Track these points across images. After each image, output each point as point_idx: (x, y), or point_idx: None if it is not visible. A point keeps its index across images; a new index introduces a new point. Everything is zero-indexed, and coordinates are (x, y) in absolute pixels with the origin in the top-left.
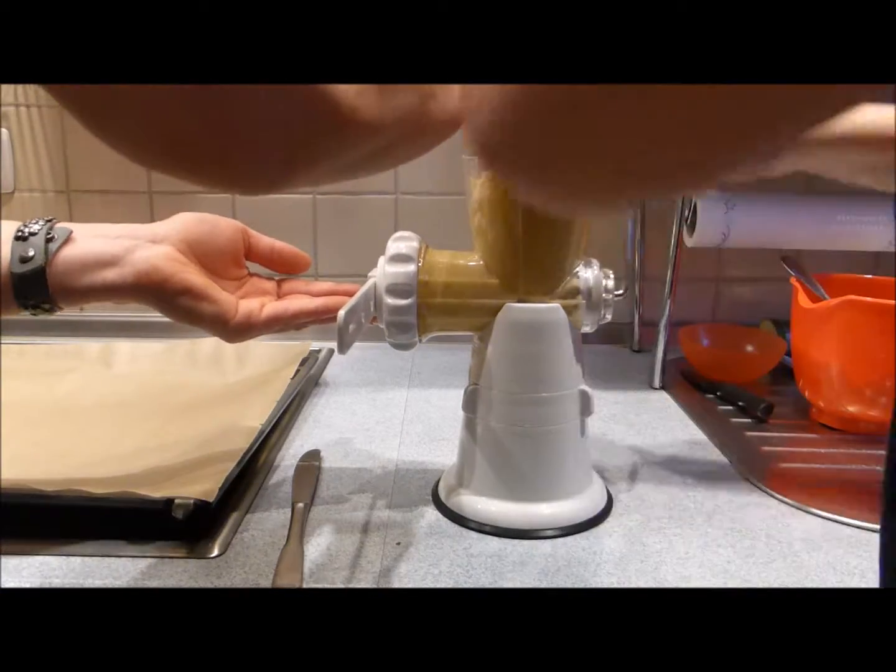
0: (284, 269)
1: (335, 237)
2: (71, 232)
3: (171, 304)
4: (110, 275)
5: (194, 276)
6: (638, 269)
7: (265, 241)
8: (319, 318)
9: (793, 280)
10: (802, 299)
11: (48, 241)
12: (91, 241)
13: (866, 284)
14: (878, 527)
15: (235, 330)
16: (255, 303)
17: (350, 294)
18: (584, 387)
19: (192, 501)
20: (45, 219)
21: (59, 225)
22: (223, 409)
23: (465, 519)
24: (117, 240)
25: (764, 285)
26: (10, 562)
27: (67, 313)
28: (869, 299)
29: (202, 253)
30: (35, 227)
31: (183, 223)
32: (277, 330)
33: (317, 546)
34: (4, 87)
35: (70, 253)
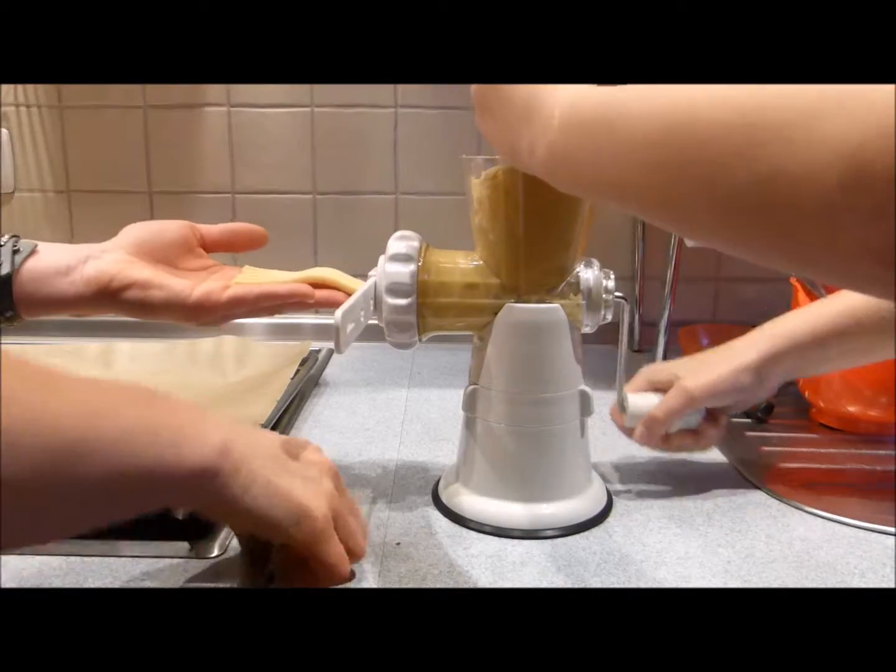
0: (243, 246)
1: (335, 237)
2: (36, 245)
3: (122, 300)
4: (64, 284)
5: (140, 271)
6: (638, 268)
7: (216, 227)
8: (287, 303)
9: (792, 280)
10: (802, 299)
11: (14, 252)
12: (51, 253)
13: None
14: (878, 527)
15: (194, 310)
16: (216, 284)
17: (323, 285)
18: (584, 387)
19: None
20: (11, 235)
21: (24, 240)
22: (223, 409)
23: (465, 519)
24: (72, 252)
25: (764, 285)
26: (10, 562)
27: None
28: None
29: (150, 250)
30: (2, 240)
31: (128, 231)
32: (246, 313)
33: None
34: (4, 87)
35: (33, 265)
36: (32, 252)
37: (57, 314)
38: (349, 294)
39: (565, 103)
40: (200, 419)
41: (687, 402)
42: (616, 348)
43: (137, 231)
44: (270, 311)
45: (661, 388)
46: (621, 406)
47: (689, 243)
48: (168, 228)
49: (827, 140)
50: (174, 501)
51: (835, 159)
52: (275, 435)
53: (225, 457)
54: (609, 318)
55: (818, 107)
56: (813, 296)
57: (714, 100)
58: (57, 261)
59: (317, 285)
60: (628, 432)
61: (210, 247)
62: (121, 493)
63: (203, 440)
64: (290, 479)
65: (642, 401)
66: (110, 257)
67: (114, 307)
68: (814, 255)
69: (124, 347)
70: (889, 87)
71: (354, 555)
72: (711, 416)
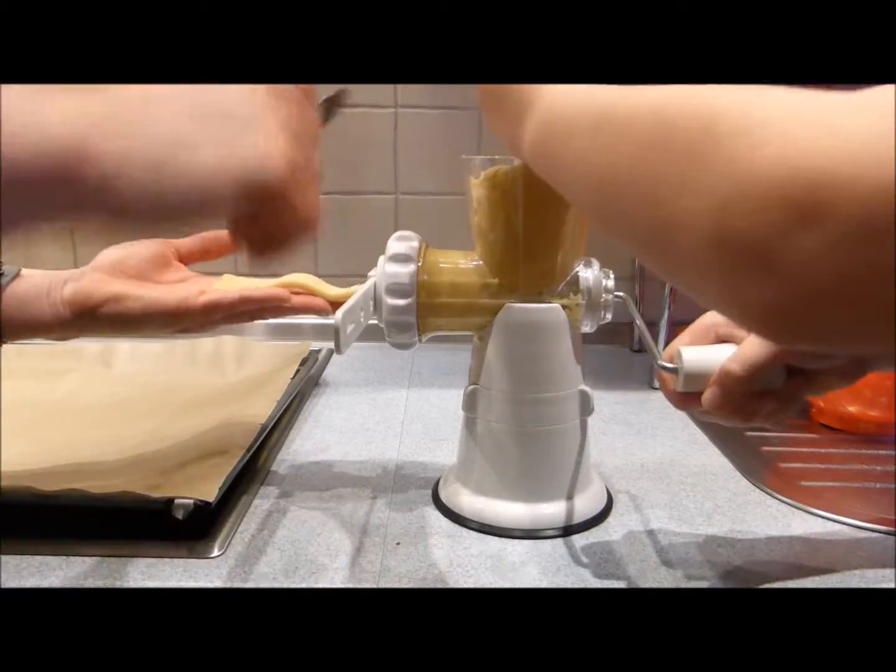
0: (218, 251)
1: (335, 237)
2: (19, 270)
3: (100, 316)
4: (45, 307)
5: (116, 285)
6: (638, 268)
7: (189, 239)
8: (265, 307)
9: None
10: None
11: None
12: (32, 277)
13: None
14: (878, 527)
15: (172, 316)
16: (192, 289)
17: (300, 291)
18: (584, 387)
19: (192, 501)
20: None
21: (6, 266)
22: (223, 409)
23: (465, 519)
24: (53, 276)
25: None
26: (11, 562)
27: None
28: None
29: (126, 268)
30: None
31: (103, 253)
32: (223, 319)
33: (317, 546)
34: None
35: (15, 288)
36: (15, 276)
37: (38, 337)
38: (326, 300)
39: (545, 103)
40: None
41: (775, 350)
42: (616, 348)
43: (112, 252)
44: (248, 317)
45: (728, 338)
46: (664, 367)
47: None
48: (142, 246)
49: (698, 192)
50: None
51: (702, 213)
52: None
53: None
54: (609, 317)
55: (694, 152)
56: None
57: (633, 134)
58: (38, 284)
59: (295, 291)
60: (682, 399)
61: (187, 258)
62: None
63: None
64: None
65: (704, 354)
66: (87, 278)
67: (94, 326)
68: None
69: (124, 347)
70: (754, 140)
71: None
72: (799, 372)
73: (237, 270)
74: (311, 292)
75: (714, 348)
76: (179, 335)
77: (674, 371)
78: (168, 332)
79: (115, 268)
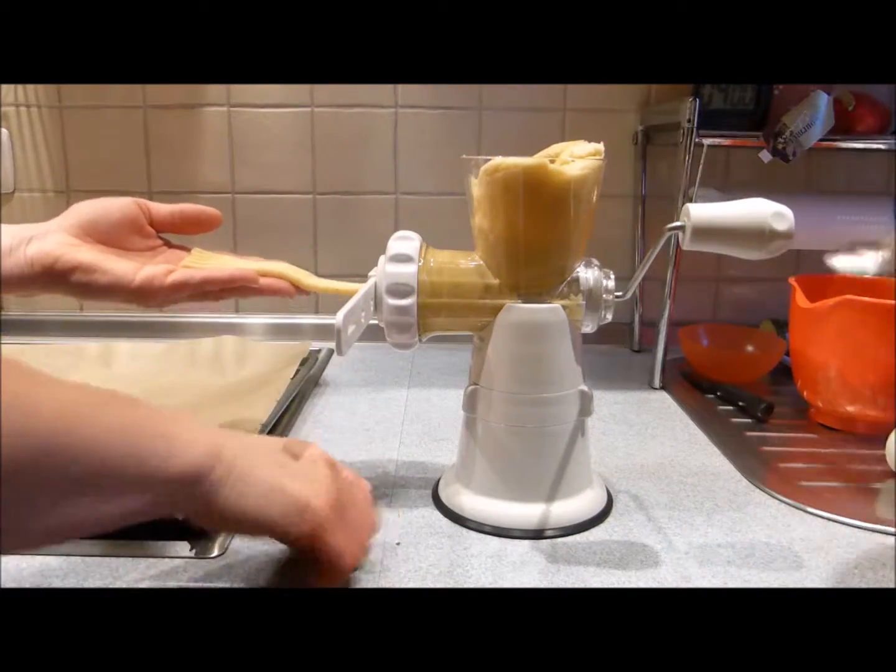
0: (192, 228)
1: (335, 237)
2: None
3: (67, 283)
4: (9, 264)
5: (84, 254)
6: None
7: (166, 207)
8: (232, 287)
9: (791, 280)
10: (800, 299)
11: None
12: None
13: (866, 284)
14: (878, 527)
15: (137, 294)
16: (159, 269)
17: (272, 276)
18: (584, 387)
19: None
20: None
21: None
22: (223, 409)
23: (465, 519)
24: (17, 232)
25: (764, 285)
26: (11, 562)
27: (68, 313)
28: (866, 299)
29: (96, 231)
30: None
31: (73, 209)
32: (189, 298)
33: None
34: (4, 87)
35: None
36: None
37: (6, 293)
38: (297, 285)
39: None
40: (189, 422)
41: None
42: (616, 348)
43: (83, 210)
44: (215, 296)
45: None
46: (672, 226)
47: (685, 245)
48: (114, 207)
49: None
50: (162, 505)
51: None
52: (275, 438)
53: (214, 459)
54: (609, 318)
55: None
56: (812, 295)
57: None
58: (2, 241)
59: (266, 276)
60: None
61: (159, 227)
62: (106, 492)
63: (192, 442)
64: (288, 477)
65: (711, 210)
66: (53, 238)
67: (60, 289)
68: None
69: (124, 348)
70: None
71: (360, 547)
72: None
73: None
74: (282, 278)
75: (720, 205)
76: (139, 308)
77: (681, 228)
78: (130, 305)
79: (84, 229)
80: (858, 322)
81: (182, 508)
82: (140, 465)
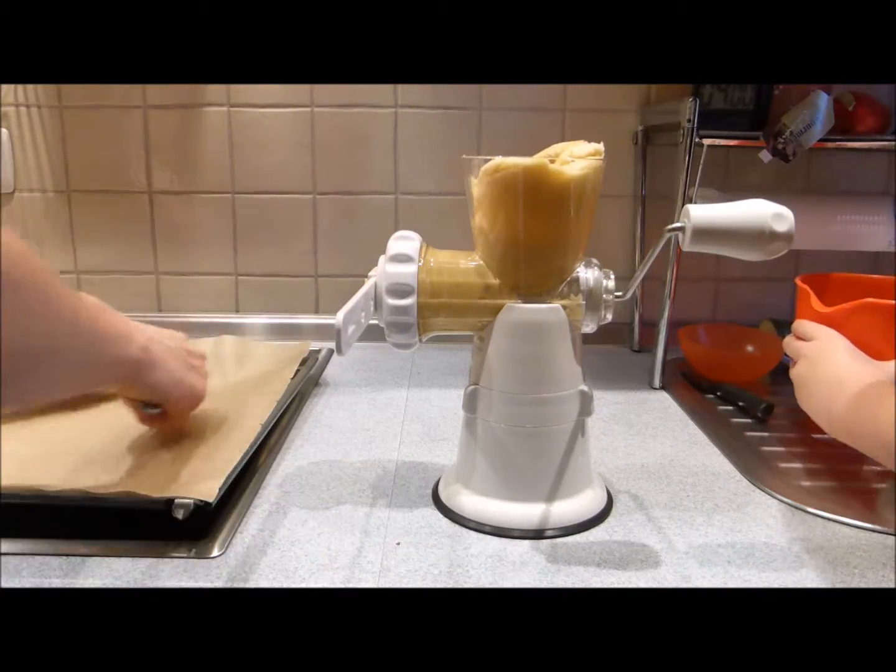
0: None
1: (335, 237)
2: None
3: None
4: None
5: None
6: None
7: None
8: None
9: (800, 282)
10: (815, 303)
11: None
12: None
13: (866, 284)
14: (878, 527)
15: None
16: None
17: None
18: (584, 387)
19: (192, 501)
20: None
21: None
22: (223, 409)
23: (465, 519)
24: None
25: (764, 285)
26: (10, 562)
27: None
28: (887, 302)
29: None
30: None
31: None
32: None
33: (317, 546)
34: (4, 87)
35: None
36: None
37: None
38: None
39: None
40: (130, 322)
41: None
42: (616, 348)
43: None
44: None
45: None
46: (672, 228)
47: (685, 247)
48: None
49: None
50: (113, 378)
51: None
52: (180, 339)
53: (146, 353)
54: (609, 318)
55: None
56: (828, 299)
57: None
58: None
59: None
60: None
61: None
62: (85, 363)
63: (133, 336)
64: (184, 372)
65: (711, 212)
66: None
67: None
68: None
69: None
70: None
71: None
72: None
73: (237, 271)
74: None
75: (720, 206)
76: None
77: (681, 229)
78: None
79: None
80: (878, 324)
81: (121, 380)
82: (111, 347)
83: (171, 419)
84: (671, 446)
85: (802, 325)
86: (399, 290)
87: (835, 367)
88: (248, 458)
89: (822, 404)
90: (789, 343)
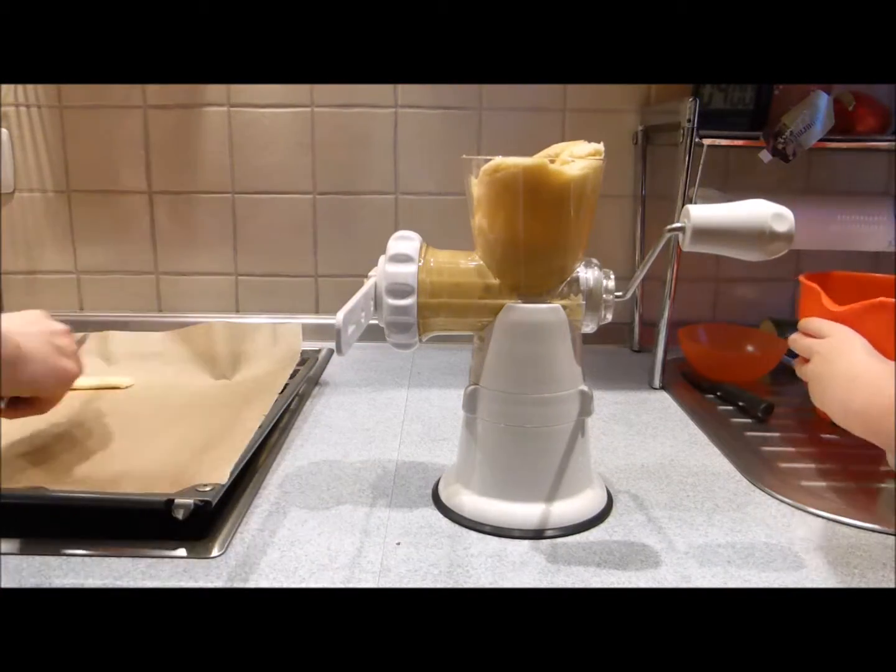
0: None
1: (335, 237)
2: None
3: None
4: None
5: None
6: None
7: None
8: None
9: (807, 281)
10: (827, 301)
11: None
12: None
13: (868, 283)
14: (878, 527)
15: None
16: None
17: None
18: (584, 387)
19: (192, 501)
20: None
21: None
22: (223, 409)
23: (465, 519)
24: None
25: (764, 285)
26: (11, 562)
27: (66, 312)
28: None
29: None
30: None
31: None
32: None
33: (317, 546)
34: (4, 87)
35: None
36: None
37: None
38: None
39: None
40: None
41: None
42: (616, 348)
43: None
44: None
45: None
46: (672, 228)
47: (685, 247)
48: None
49: None
50: None
51: None
52: (38, 318)
53: (18, 349)
54: (609, 318)
55: None
56: (839, 298)
57: None
58: None
59: None
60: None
61: None
62: None
63: (11, 336)
64: (57, 358)
65: (711, 212)
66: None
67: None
68: None
69: (124, 348)
70: None
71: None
72: None
73: (237, 271)
74: None
75: (720, 207)
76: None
77: (681, 229)
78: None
79: None
80: (892, 324)
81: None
82: None
83: (42, 405)
84: (671, 446)
85: (813, 322)
86: (399, 290)
87: (851, 364)
88: (248, 457)
89: (839, 400)
90: (797, 340)
